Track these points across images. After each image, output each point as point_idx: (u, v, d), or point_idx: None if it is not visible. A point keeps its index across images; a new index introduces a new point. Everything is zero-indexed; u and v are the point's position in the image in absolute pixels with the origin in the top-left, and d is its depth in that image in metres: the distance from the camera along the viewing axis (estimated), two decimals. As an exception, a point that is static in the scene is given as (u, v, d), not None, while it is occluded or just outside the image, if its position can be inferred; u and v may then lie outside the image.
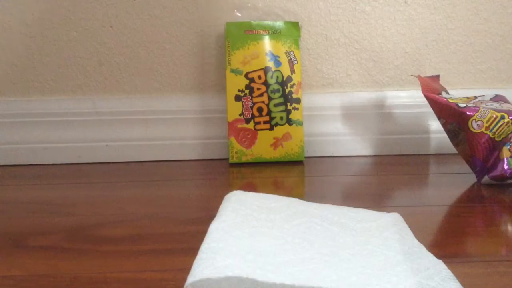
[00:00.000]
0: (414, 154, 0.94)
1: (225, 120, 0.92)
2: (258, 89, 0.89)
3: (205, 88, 0.94)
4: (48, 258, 0.52)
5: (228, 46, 0.90)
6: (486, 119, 0.73)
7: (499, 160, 0.74)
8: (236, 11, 0.92)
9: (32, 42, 0.92)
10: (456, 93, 0.91)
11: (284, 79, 0.89)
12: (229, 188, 0.76)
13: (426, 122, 0.94)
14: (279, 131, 0.89)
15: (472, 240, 0.55)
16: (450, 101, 0.75)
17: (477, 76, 0.95)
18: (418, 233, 0.53)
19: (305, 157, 0.93)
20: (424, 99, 0.91)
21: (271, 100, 0.89)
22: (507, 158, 0.73)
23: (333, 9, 0.93)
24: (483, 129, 0.73)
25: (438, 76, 0.84)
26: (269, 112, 0.89)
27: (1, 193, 0.76)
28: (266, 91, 0.89)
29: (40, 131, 0.93)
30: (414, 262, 0.44)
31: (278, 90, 0.89)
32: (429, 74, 0.95)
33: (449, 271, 0.43)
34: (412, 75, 0.83)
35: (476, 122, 0.73)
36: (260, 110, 0.89)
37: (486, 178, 0.75)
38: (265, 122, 0.89)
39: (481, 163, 0.75)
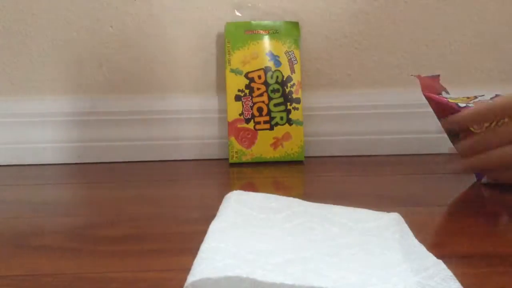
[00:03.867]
0: (414, 154, 0.94)
1: (225, 120, 0.92)
2: (258, 89, 0.89)
3: (205, 88, 0.94)
4: (48, 258, 0.52)
5: (228, 46, 0.90)
6: None
7: None
8: (236, 11, 0.92)
9: (32, 42, 0.92)
10: (456, 93, 0.91)
11: (284, 79, 0.89)
12: (229, 188, 0.76)
13: (426, 122, 0.94)
14: (279, 131, 0.89)
15: (472, 240, 0.55)
16: (450, 101, 0.75)
17: (477, 76, 0.95)
18: (418, 233, 0.53)
19: (305, 157, 0.93)
20: (424, 99, 0.91)
21: (271, 100, 0.89)
22: (507, 158, 0.73)
23: (333, 9, 0.93)
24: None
25: (438, 76, 0.84)
26: (269, 112, 0.89)
27: (1, 193, 0.76)
28: (266, 91, 0.89)
29: (40, 131, 0.93)
30: (414, 262, 0.44)
31: (278, 90, 0.89)
32: (429, 74, 0.94)
33: (449, 271, 0.43)
34: (412, 75, 0.83)
35: None
36: (260, 110, 0.89)
37: (486, 178, 0.75)
38: (265, 122, 0.89)
39: None
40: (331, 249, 0.47)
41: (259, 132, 0.89)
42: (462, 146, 0.71)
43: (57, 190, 0.77)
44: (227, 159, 0.93)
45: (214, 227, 0.49)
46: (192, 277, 0.40)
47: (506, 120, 0.69)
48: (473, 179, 0.78)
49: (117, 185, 0.79)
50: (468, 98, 0.80)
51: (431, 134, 0.94)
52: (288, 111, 0.89)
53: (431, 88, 0.78)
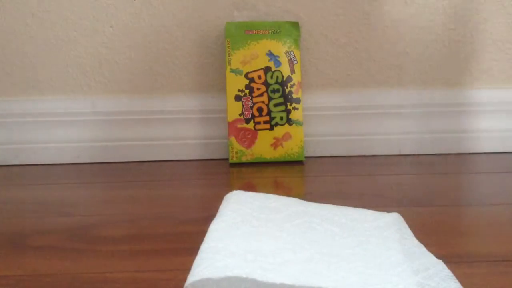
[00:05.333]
0: (414, 154, 0.94)
1: (225, 120, 0.92)
2: (258, 89, 0.89)
3: (205, 88, 0.94)
4: (48, 258, 0.52)
5: (228, 46, 0.90)
6: None
7: None
8: (236, 11, 0.92)
9: (32, 42, 0.92)
10: (456, 92, 0.91)
11: (284, 79, 0.89)
12: (229, 188, 0.76)
13: (426, 121, 0.94)
14: (279, 131, 0.89)
15: (472, 240, 0.55)
16: None
17: (477, 76, 0.95)
18: (418, 233, 0.53)
19: (305, 157, 0.93)
20: (423, 99, 0.91)
21: (271, 100, 0.89)
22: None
23: (333, 9, 0.93)
24: None
25: None
26: (269, 112, 0.89)
27: (1, 193, 0.76)
28: (266, 91, 0.89)
29: (40, 131, 0.93)
30: (414, 262, 0.44)
31: (278, 90, 0.89)
32: (428, 74, 0.94)
33: (449, 271, 0.43)
34: None
35: None
36: (260, 110, 0.89)
37: None
38: (265, 122, 0.89)
39: None
40: (331, 249, 0.47)
41: (259, 132, 0.89)
42: None
43: (57, 190, 0.77)
44: (227, 159, 0.93)
45: (214, 227, 0.49)
46: (192, 277, 0.40)
47: None
48: (472, 178, 0.78)
49: (117, 185, 0.79)
50: None
51: (430, 134, 0.94)
52: (288, 111, 0.89)
53: None
